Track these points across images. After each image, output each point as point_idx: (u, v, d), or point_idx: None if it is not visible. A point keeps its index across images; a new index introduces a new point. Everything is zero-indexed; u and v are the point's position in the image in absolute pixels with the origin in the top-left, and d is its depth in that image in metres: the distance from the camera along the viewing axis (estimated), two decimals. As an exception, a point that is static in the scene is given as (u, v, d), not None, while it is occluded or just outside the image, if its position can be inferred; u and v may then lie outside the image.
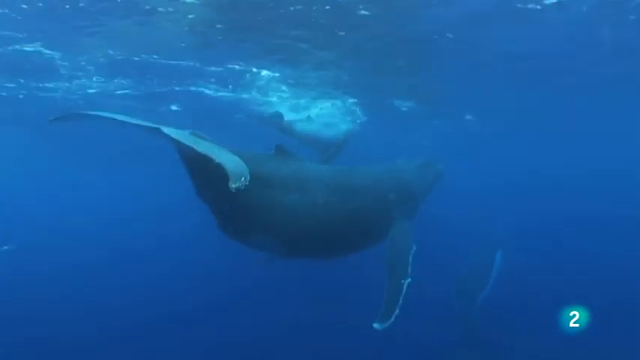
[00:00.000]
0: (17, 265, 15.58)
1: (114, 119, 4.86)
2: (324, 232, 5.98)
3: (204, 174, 5.34)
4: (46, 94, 15.32)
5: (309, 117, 14.76)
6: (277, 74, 13.14)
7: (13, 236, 17.80)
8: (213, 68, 12.65)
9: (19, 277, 14.25)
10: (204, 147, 4.89)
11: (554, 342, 9.90)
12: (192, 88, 14.99)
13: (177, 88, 15.07)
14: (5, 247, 16.98)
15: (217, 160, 4.69)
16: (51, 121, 4.97)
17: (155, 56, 11.31)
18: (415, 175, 7.08)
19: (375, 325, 4.81)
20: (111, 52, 11.20)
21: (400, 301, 4.94)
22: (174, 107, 17.07)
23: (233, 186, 4.44)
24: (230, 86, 14.60)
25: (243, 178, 4.51)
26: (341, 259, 6.54)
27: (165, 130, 4.97)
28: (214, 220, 5.91)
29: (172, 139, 5.00)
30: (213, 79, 13.95)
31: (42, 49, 10.88)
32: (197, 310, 12.55)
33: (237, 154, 5.34)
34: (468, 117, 19.88)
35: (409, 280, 5.14)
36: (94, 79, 13.78)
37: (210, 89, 15.08)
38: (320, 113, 15.44)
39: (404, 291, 5.03)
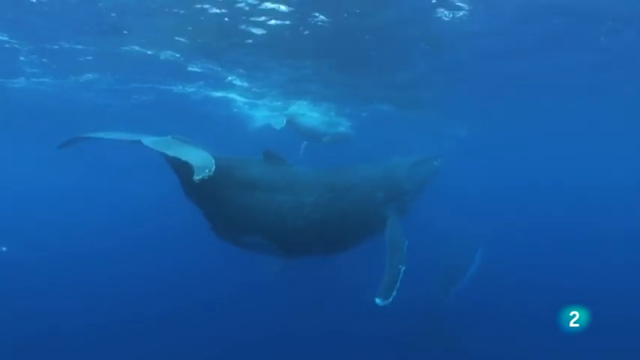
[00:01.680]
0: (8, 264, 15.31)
1: (101, 138, 5.47)
2: (314, 231, 6.23)
3: (191, 180, 5.63)
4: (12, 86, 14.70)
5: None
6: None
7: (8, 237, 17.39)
8: (194, 69, 12.58)
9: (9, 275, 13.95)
10: (173, 151, 5.31)
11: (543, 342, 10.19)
12: (164, 87, 14.60)
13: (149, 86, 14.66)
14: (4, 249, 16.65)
15: (184, 159, 5.11)
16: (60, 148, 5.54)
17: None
18: (407, 173, 7.21)
19: (377, 301, 5.14)
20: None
21: (398, 284, 5.32)
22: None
23: (196, 178, 4.80)
24: (211, 87, 14.42)
25: (207, 170, 4.89)
26: (336, 255, 6.81)
27: (145, 141, 5.41)
28: (207, 223, 6.21)
29: (151, 149, 5.41)
30: (193, 80, 13.86)
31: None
32: (191, 309, 12.58)
33: (225, 160, 5.78)
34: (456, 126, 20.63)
35: (405, 267, 5.55)
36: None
37: (189, 88, 14.68)
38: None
39: (401, 275, 5.44)
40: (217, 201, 5.99)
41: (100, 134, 5.60)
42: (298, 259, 6.78)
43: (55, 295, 13.13)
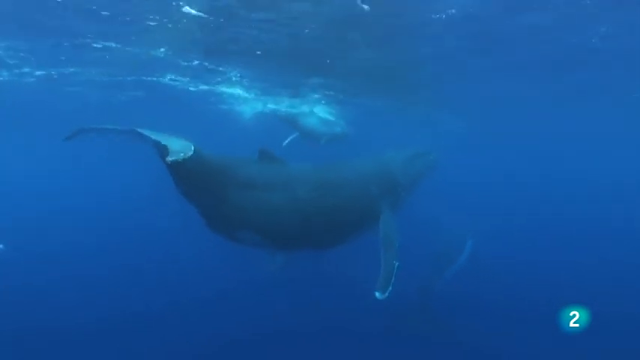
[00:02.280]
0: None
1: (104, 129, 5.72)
2: (309, 227, 6.34)
3: (186, 178, 5.84)
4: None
5: (311, 111, 16.09)
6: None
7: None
8: (184, 63, 12.29)
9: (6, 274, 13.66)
10: (157, 136, 5.42)
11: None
12: (154, 79, 14.27)
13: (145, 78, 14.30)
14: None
15: (164, 143, 5.24)
16: (65, 140, 5.74)
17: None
18: (402, 167, 7.24)
19: (377, 294, 5.43)
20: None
21: (393, 279, 5.59)
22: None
23: (169, 160, 4.89)
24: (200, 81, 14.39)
25: (182, 155, 4.99)
26: (330, 249, 6.87)
27: (139, 130, 5.57)
28: (203, 220, 6.33)
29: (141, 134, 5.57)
30: (183, 73, 13.63)
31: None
32: (188, 305, 12.37)
33: (220, 158, 6.08)
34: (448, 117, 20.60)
35: (398, 263, 5.78)
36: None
37: (176, 81, 14.34)
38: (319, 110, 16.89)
39: (395, 271, 5.68)
40: (212, 199, 6.03)
41: (102, 126, 5.80)
42: (292, 253, 6.95)
43: (51, 291, 12.91)
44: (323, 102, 16.53)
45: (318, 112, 16.74)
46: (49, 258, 15.41)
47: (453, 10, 7.80)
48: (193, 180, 5.77)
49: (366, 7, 7.31)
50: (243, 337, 10.70)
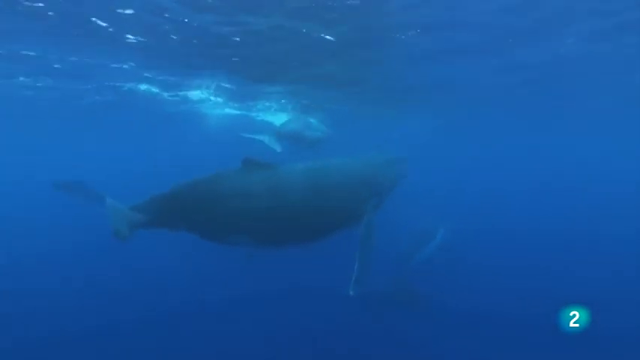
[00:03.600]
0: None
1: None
2: (299, 228, 6.59)
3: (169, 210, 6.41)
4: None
5: (297, 116, 16.50)
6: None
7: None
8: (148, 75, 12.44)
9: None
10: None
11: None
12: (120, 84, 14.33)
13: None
14: None
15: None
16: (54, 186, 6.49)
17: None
18: (386, 170, 7.62)
19: (350, 292, 5.88)
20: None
21: (365, 278, 6.06)
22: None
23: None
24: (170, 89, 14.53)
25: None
26: (315, 244, 7.11)
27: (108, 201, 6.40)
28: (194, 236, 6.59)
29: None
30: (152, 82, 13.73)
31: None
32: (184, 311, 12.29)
33: (203, 182, 6.42)
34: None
35: (371, 263, 6.26)
36: None
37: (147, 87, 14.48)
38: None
39: (367, 269, 6.15)
40: (203, 220, 6.34)
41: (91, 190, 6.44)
42: (278, 249, 7.14)
43: (51, 294, 12.89)
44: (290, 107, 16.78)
45: (301, 117, 17.01)
46: (48, 259, 15.44)
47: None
48: (166, 219, 6.40)
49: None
50: (244, 338, 10.69)
